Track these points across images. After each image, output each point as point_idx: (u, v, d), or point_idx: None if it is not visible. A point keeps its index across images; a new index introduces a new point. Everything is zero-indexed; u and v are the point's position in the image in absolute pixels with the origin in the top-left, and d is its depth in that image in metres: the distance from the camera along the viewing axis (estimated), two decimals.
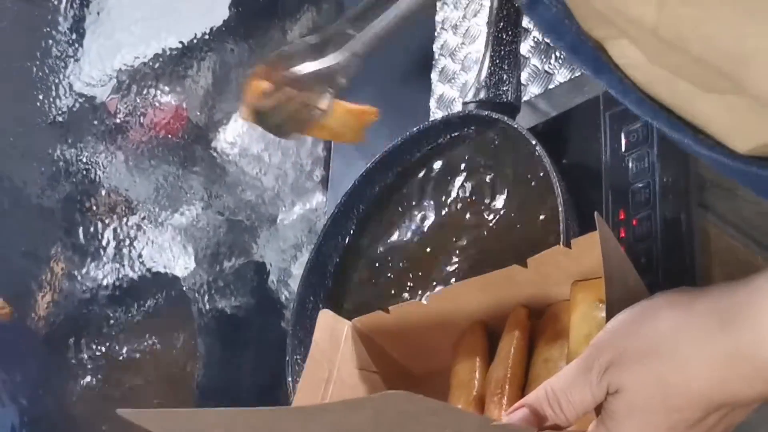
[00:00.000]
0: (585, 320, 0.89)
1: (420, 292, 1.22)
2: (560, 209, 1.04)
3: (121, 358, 1.30)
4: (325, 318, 1.13)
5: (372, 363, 1.16)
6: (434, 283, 1.20)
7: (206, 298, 1.45)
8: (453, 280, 1.17)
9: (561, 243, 1.00)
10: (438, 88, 1.51)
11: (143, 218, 1.38)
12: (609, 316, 0.69)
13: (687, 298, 0.65)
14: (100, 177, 1.32)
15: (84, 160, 1.30)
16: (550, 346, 0.96)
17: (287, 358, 1.31)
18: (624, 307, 0.69)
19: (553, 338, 0.96)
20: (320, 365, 1.10)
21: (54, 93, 1.27)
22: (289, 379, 1.30)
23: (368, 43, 1.02)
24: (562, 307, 0.98)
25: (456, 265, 1.19)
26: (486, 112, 1.21)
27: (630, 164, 1.07)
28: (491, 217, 1.18)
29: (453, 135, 1.29)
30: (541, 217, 1.11)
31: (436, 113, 1.49)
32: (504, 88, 1.22)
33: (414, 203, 1.30)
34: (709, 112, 0.60)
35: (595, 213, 0.73)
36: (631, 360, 0.64)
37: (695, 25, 0.52)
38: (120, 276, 1.32)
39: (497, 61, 1.23)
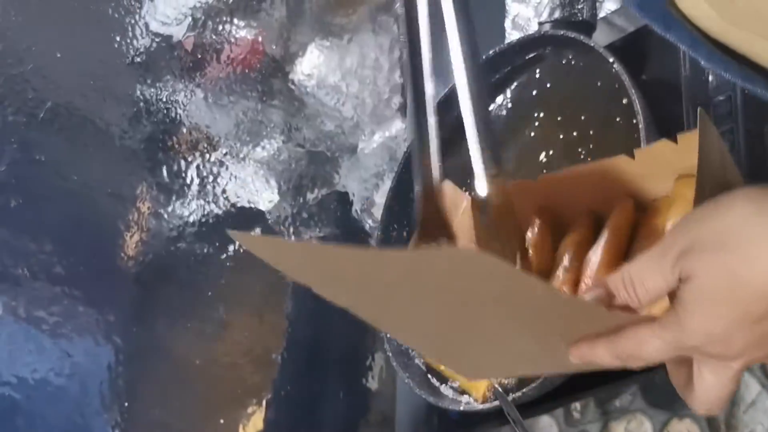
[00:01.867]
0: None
1: None
2: (641, 126, 1.03)
3: (210, 293, 1.32)
4: (447, 188, 1.12)
5: None
6: None
7: (291, 230, 1.46)
8: None
9: None
10: (513, 8, 1.49)
11: (225, 154, 1.39)
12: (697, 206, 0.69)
13: (764, 194, 0.65)
14: (180, 115, 1.34)
15: (164, 99, 1.32)
16: (648, 240, 0.95)
17: None
18: None
19: (653, 232, 0.96)
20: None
21: (131, 34, 1.28)
22: None
23: None
24: (666, 202, 0.97)
25: None
26: (562, 32, 1.20)
27: (710, 77, 1.05)
28: (572, 135, 1.18)
29: (530, 56, 1.28)
30: (622, 132, 1.10)
31: (512, 34, 1.47)
32: (579, 6, 1.20)
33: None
34: None
35: (699, 108, 0.72)
36: (701, 249, 0.64)
37: None
38: (205, 212, 1.34)
39: None
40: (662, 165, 0.94)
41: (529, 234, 1.04)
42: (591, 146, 1.14)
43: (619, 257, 0.96)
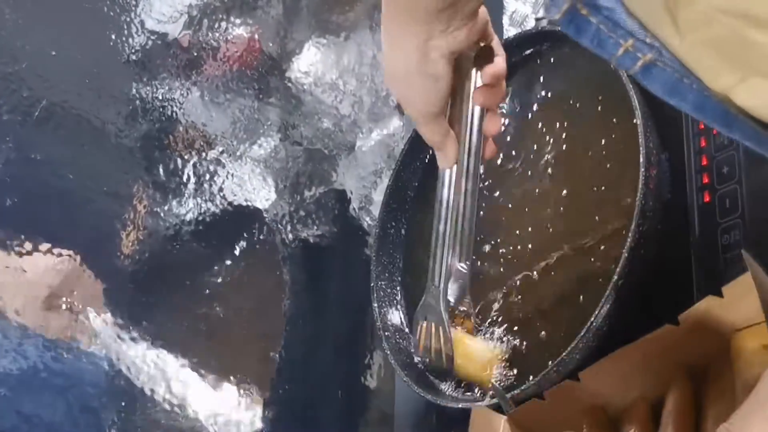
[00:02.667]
0: (751, 369, 0.83)
1: (507, 205, 1.22)
2: (639, 122, 1.02)
3: (207, 291, 1.31)
4: (479, 416, 1.09)
5: None
6: (521, 197, 1.20)
7: (289, 228, 1.46)
8: (536, 190, 1.19)
9: (641, 156, 0.99)
10: (510, 5, 1.48)
11: (222, 152, 1.38)
12: None
13: None
14: (177, 113, 1.33)
15: (160, 97, 1.31)
16: (717, 404, 0.89)
17: (372, 284, 1.33)
18: None
19: (720, 395, 0.89)
20: None
21: (126, 32, 1.28)
22: (375, 305, 1.31)
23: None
24: (725, 361, 0.89)
25: (539, 178, 1.18)
26: (559, 27, 1.19)
27: None
28: (571, 131, 1.17)
29: (527, 52, 1.27)
30: (620, 128, 1.10)
31: (509, 31, 1.47)
32: None
33: None
34: None
35: (743, 251, 0.71)
36: None
37: None
38: (202, 211, 1.33)
39: None
40: (712, 323, 0.88)
41: None
42: (590, 144, 1.14)
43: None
